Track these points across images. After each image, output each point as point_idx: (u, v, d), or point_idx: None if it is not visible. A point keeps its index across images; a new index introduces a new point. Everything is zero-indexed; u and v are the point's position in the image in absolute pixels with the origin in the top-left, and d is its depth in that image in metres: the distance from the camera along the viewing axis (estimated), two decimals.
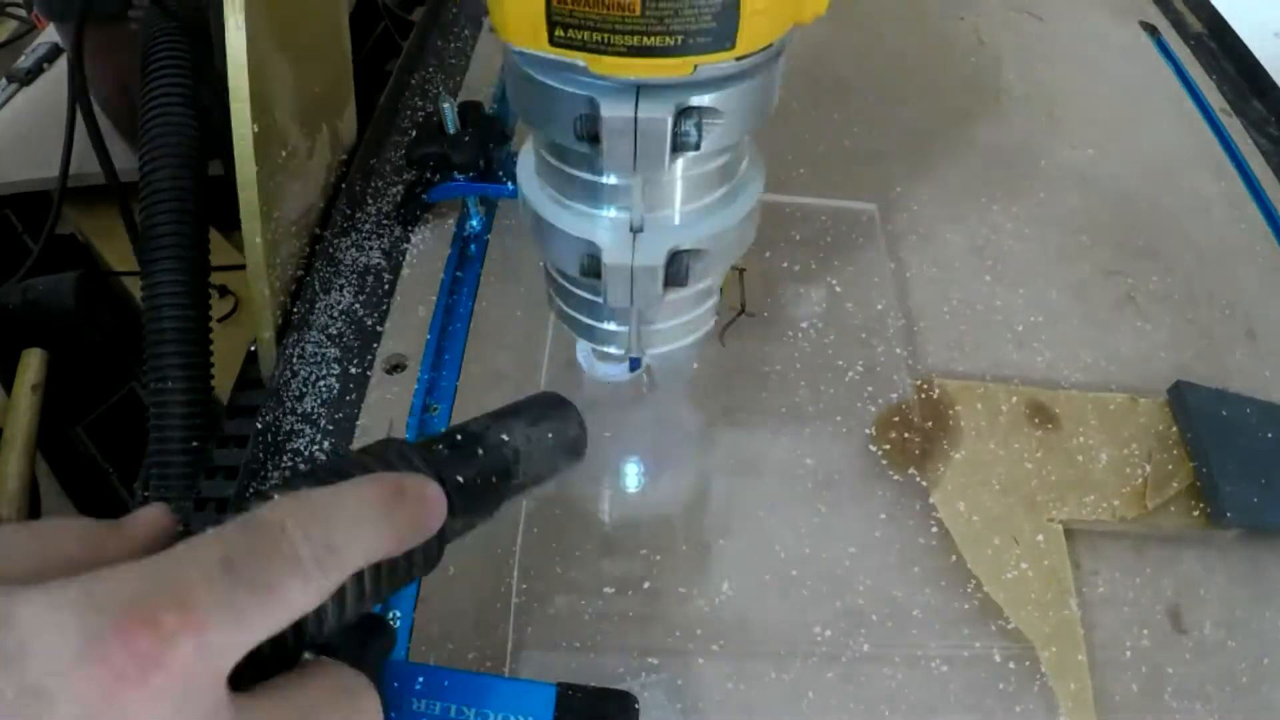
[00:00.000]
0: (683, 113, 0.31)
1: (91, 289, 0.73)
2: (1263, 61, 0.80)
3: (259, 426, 0.49)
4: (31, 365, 0.69)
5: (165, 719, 0.20)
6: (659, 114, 0.30)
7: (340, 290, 0.57)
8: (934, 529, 0.47)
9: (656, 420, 0.52)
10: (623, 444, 0.51)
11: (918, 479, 0.49)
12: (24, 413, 0.66)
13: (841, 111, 0.71)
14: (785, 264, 0.59)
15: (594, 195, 0.36)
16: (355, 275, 0.58)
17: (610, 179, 0.35)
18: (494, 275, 0.58)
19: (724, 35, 0.28)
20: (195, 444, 0.53)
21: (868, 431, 0.51)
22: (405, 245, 0.59)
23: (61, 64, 0.95)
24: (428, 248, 0.59)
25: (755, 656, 0.42)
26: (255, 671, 0.23)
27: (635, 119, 0.30)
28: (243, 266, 0.51)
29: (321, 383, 0.52)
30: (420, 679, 0.35)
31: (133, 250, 0.74)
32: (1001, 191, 0.66)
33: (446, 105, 0.56)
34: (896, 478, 0.49)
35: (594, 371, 0.51)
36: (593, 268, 0.36)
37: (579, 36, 0.28)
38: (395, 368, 0.53)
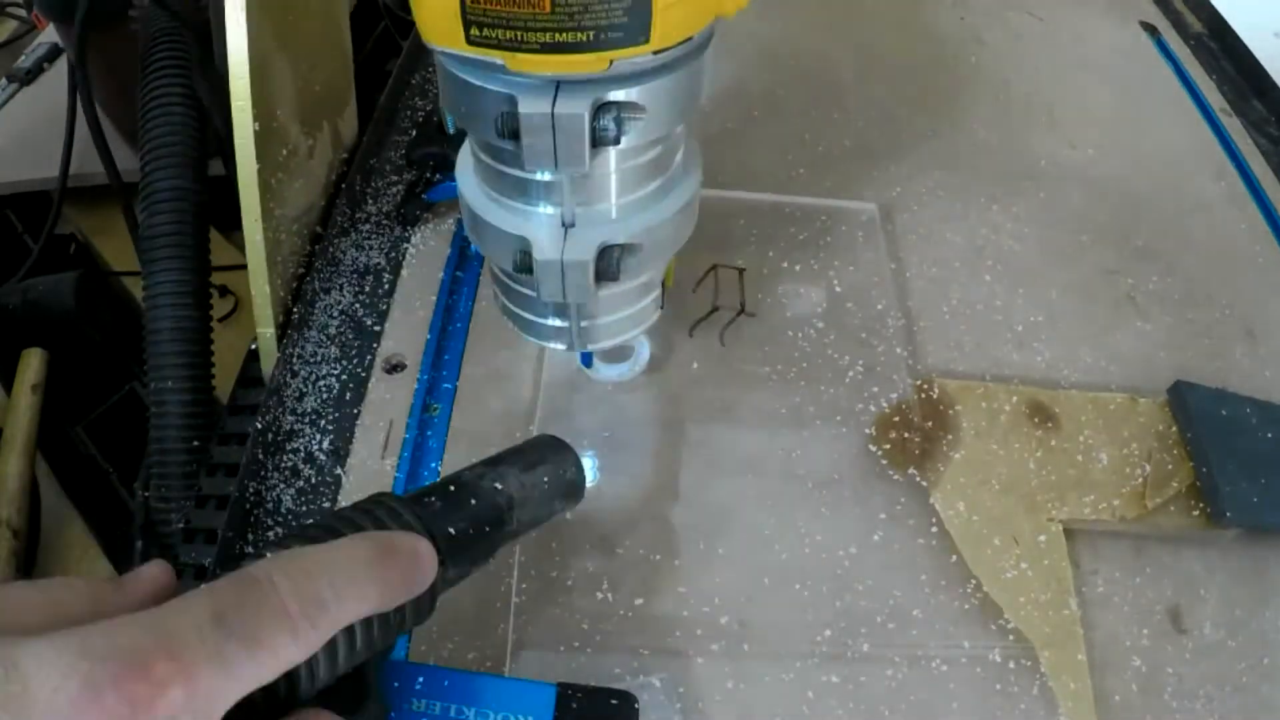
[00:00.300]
0: (601, 108, 0.31)
1: (91, 289, 0.73)
2: (1263, 61, 0.80)
3: (259, 426, 0.49)
4: (31, 365, 0.69)
5: None
6: (576, 109, 0.31)
7: (340, 290, 0.57)
8: (934, 529, 0.47)
9: (655, 419, 0.52)
10: (622, 444, 0.51)
11: (918, 479, 0.49)
12: (24, 413, 0.66)
13: (841, 111, 0.71)
14: (785, 264, 0.59)
15: (527, 191, 0.36)
16: (355, 275, 0.58)
17: (541, 175, 0.35)
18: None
19: (637, 30, 0.29)
20: (196, 443, 0.53)
21: (868, 431, 0.51)
22: (405, 245, 0.59)
23: (61, 64, 0.95)
24: (428, 248, 0.59)
25: (755, 656, 0.42)
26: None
27: (553, 115, 0.31)
28: (243, 266, 0.51)
29: (321, 383, 0.52)
30: (420, 679, 0.35)
31: (135, 250, 0.74)
32: (1001, 191, 0.66)
33: None
34: (896, 478, 0.49)
35: (594, 372, 0.51)
36: (525, 264, 0.37)
37: (494, 35, 0.29)
38: (395, 368, 0.53)
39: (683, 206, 0.38)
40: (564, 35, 0.28)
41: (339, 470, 0.48)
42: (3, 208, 0.89)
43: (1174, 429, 0.51)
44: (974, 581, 0.45)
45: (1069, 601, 0.44)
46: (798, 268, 0.59)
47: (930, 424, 0.51)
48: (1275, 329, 0.59)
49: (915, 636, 0.43)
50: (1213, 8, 0.88)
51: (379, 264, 0.58)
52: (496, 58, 0.30)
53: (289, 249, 0.55)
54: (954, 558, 0.46)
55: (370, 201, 0.62)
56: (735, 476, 0.49)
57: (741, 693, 0.41)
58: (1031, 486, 0.49)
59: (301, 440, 0.49)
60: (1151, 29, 0.85)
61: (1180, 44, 0.84)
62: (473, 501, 0.33)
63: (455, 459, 0.49)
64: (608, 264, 0.36)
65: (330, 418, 0.50)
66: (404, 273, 0.58)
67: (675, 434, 0.51)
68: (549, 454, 0.36)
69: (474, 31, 0.29)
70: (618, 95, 0.31)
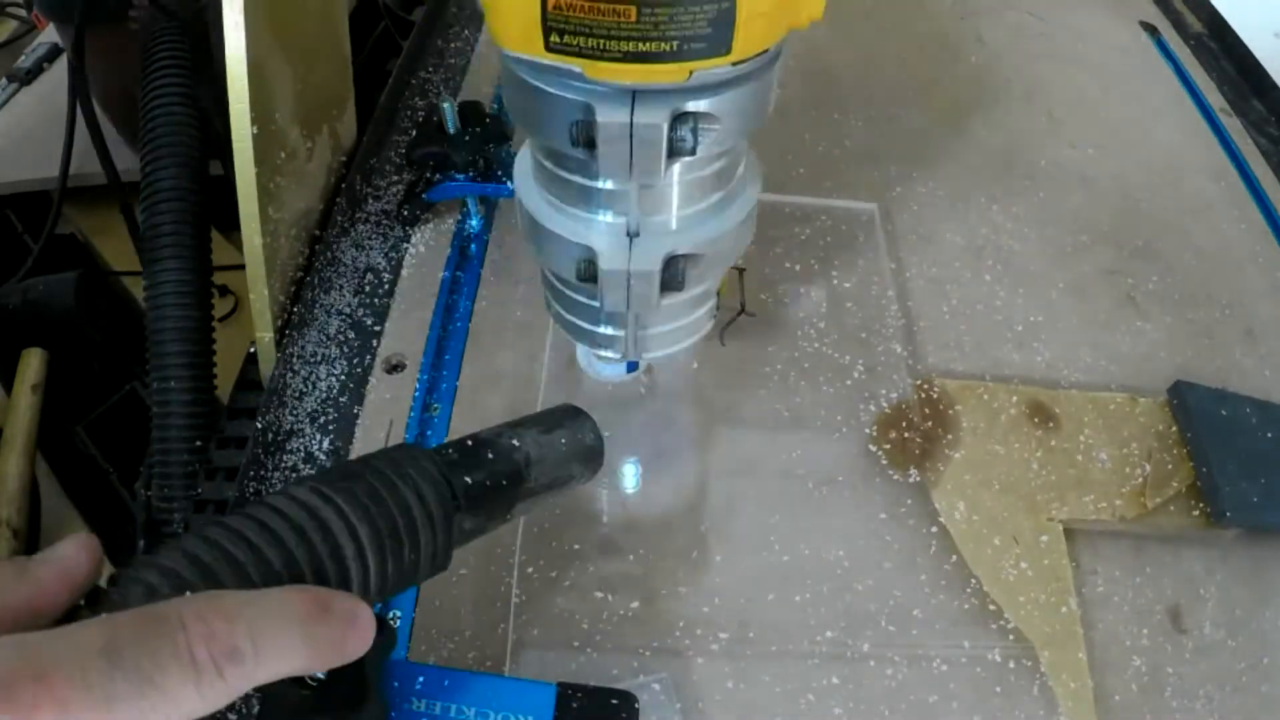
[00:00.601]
0: (678, 118, 0.31)
1: (91, 289, 0.73)
2: (1263, 61, 0.80)
3: (259, 426, 0.49)
4: (31, 365, 0.69)
5: None
6: (655, 119, 0.30)
7: (340, 290, 0.57)
8: (934, 529, 0.47)
9: (656, 420, 0.52)
10: (622, 444, 0.51)
11: (918, 479, 0.49)
12: (24, 413, 0.66)
13: (841, 111, 0.71)
14: (785, 264, 0.59)
15: (590, 200, 0.36)
16: (355, 275, 0.58)
17: (606, 184, 0.35)
18: (494, 275, 0.58)
19: (720, 41, 0.28)
20: (198, 443, 0.53)
21: (868, 431, 0.51)
22: (405, 245, 0.59)
23: (61, 64, 0.95)
24: (428, 248, 0.59)
25: (755, 656, 0.42)
26: None
27: (631, 124, 0.30)
28: (243, 266, 0.51)
29: (322, 383, 0.52)
30: (420, 679, 0.35)
31: (135, 250, 0.75)
32: (1001, 191, 0.66)
33: (446, 105, 0.56)
34: (896, 478, 0.49)
35: (594, 372, 0.51)
36: (589, 273, 0.36)
37: (574, 42, 0.28)
38: (395, 368, 0.53)
39: (745, 217, 0.38)
40: (647, 45, 0.28)
41: None
42: (3, 208, 0.89)
43: (1174, 429, 0.51)
44: (974, 581, 0.45)
45: (1069, 601, 0.44)
46: (798, 268, 0.59)
47: (930, 424, 0.51)
48: (1275, 329, 0.59)
49: (915, 636, 0.43)
50: (1213, 8, 0.88)
51: (379, 264, 0.58)
52: (575, 65, 0.29)
53: (288, 252, 0.55)
54: (954, 557, 0.46)
55: (370, 202, 0.62)
56: (735, 476, 0.49)
57: (741, 693, 0.41)
58: (1031, 486, 0.49)
59: (301, 440, 0.49)
60: (1151, 29, 0.85)
61: (1180, 44, 0.84)
62: (490, 455, 0.33)
63: None
64: (673, 274, 0.36)
65: (330, 418, 0.50)
66: (404, 273, 0.58)
67: (675, 434, 0.51)
68: (567, 419, 0.37)
69: (554, 38, 0.28)
70: (695, 106, 0.31)
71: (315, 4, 0.58)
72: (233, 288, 0.80)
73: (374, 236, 0.60)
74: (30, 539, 0.60)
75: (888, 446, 0.50)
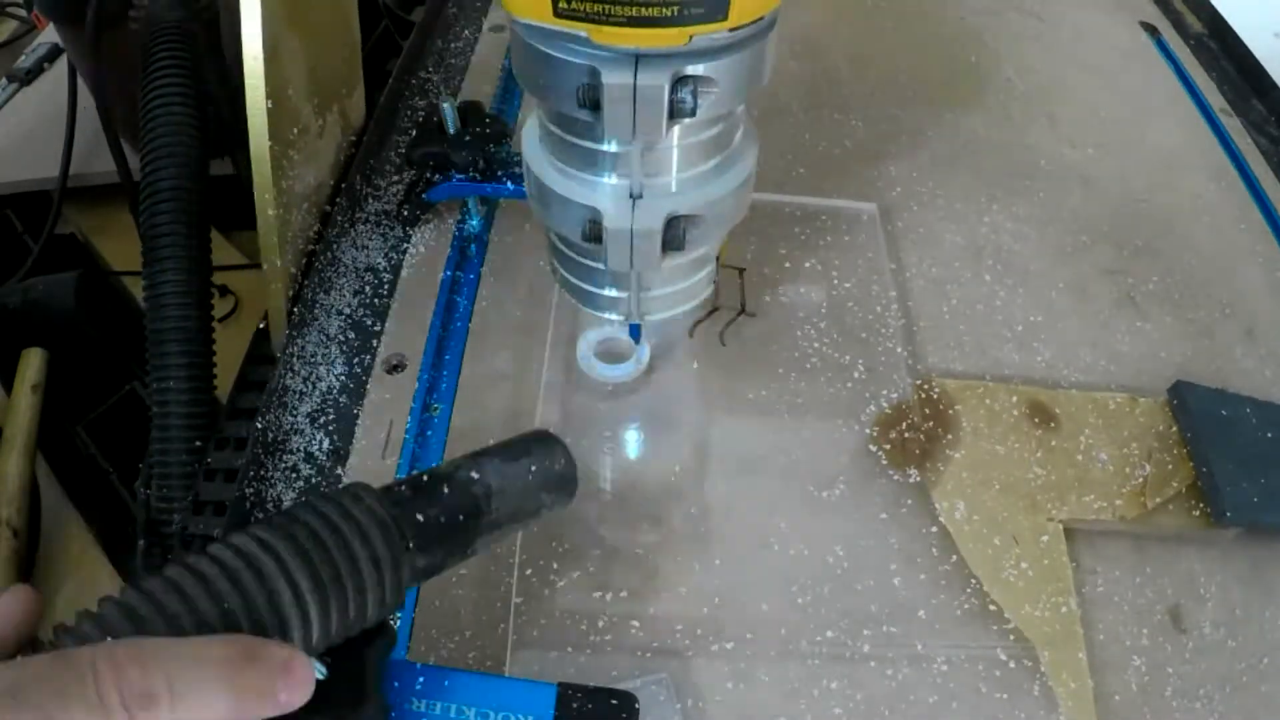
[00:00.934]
0: (679, 80, 0.33)
1: (91, 289, 0.73)
2: (1263, 61, 0.80)
3: (259, 427, 0.49)
4: (31, 365, 0.69)
5: None
6: (657, 81, 0.32)
7: (340, 290, 0.57)
8: (934, 529, 0.47)
9: (656, 420, 0.52)
10: (623, 444, 0.51)
11: (918, 479, 0.49)
12: (24, 413, 0.66)
13: (841, 111, 0.71)
14: (785, 264, 0.59)
15: (595, 163, 0.38)
16: (355, 275, 0.58)
17: (611, 146, 0.37)
18: (494, 275, 0.58)
19: (717, 7, 0.30)
20: (198, 443, 0.53)
21: (868, 431, 0.51)
22: (405, 245, 0.59)
23: (61, 64, 0.95)
24: (428, 248, 0.59)
25: (755, 656, 0.42)
26: None
27: (634, 86, 0.32)
28: (243, 266, 0.51)
29: (321, 383, 0.52)
30: (420, 679, 0.35)
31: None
32: (1001, 191, 0.66)
33: (446, 105, 0.56)
34: (896, 477, 0.49)
35: (594, 372, 0.52)
36: (594, 233, 0.38)
37: (581, 8, 0.30)
38: (395, 368, 0.53)
39: (742, 181, 0.40)
40: (649, 10, 0.30)
41: (339, 470, 0.48)
42: (3, 208, 0.89)
43: (1174, 429, 0.51)
44: (974, 581, 0.45)
45: (1069, 601, 0.44)
46: (798, 268, 0.59)
47: (930, 424, 0.51)
48: (1275, 329, 0.59)
49: (915, 636, 0.43)
50: (1213, 8, 0.88)
51: (379, 264, 0.58)
52: (581, 30, 0.31)
53: (299, 225, 0.57)
54: (954, 558, 0.46)
55: (370, 201, 0.62)
56: (735, 476, 0.49)
57: (741, 693, 0.41)
58: (1032, 486, 0.49)
59: (301, 440, 0.49)
60: (1151, 29, 0.85)
61: (1180, 44, 0.84)
62: (445, 491, 0.32)
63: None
64: (674, 234, 0.38)
65: (330, 418, 0.50)
66: (404, 273, 0.58)
67: (675, 434, 0.51)
68: (536, 446, 0.36)
69: (562, 4, 0.30)
70: (695, 69, 0.33)
71: None
72: (233, 288, 0.80)
73: (374, 236, 0.60)
74: (30, 539, 0.60)
75: (888, 446, 0.50)
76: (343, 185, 0.61)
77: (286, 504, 0.47)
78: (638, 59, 0.32)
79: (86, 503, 0.65)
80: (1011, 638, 0.43)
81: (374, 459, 0.48)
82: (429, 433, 0.50)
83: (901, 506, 0.48)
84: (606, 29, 0.31)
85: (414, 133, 0.60)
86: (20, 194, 0.85)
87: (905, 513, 0.48)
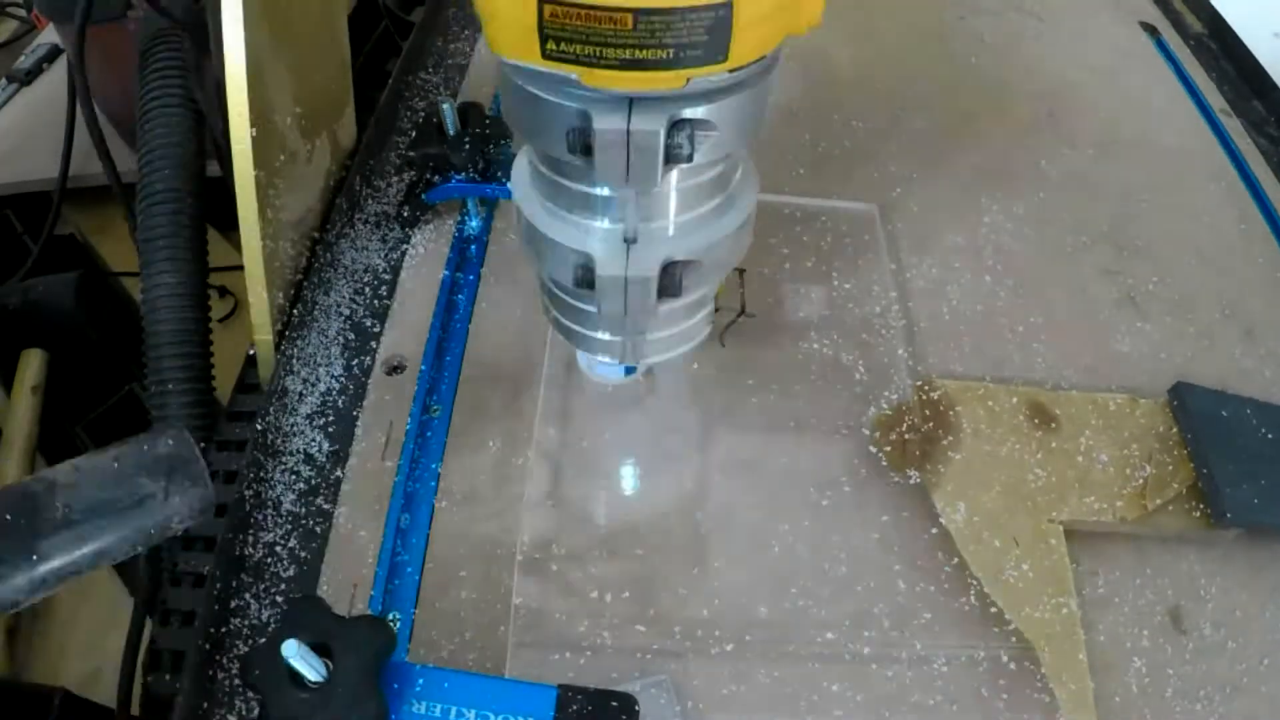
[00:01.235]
0: (675, 125, 0.31)
1: (91, 289, 0.73)
2: (1263, 61, 0.80)
3: (259, 427, 0.49)
4: (31, 365, 0.69)
5: None
6: (652, 126, 0.30)
7: (340, 291, 0.57)
8: (934, 529, 0.47)
9: (656, 421, 0.52)
10: (622, 445, 0.51)
11: (918, 480, 0.49)
12: (24, 413, 0.66)
13: (841, 111, 0.71)
14: (785, 264, 0.59)
15: (588, 206, 0.36)
16: (355, 275, 0.58)
17: (604, 190, 0.35)
18: (494, 275, 0.58)
19: (716, 48, 0.28)
20: (200, 446, 0.53)
21: (868, 433, 0.51)
22: (405, 245, 0.59)
23: (61, 64, 0.95)
24: (428, 248, 0.59)
25: (755, 657, 0.42)
26: None
27: (628, 131, 0.30)
28: (242, 267, 0.51)
29: (321, 384, 0.52)
30: (420, 680, 0.35)
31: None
32: (1001, 191, 0.66)
33: (446, 106, 0.56)
34: (896, 478, 0.49)
35: (593, 373, 0.51)
36: (586, 279, 0.36)
37: (571, 50, 0.28)
38: (395, 368, 0.53)
39: (742, 224, 0.38)
40: (644, 52, 0.28)
41: (339, 472, 0.48)
42: (3, 208, 0.89)
43: (1174, 430, 0.51)
44: (975, 583, 0.45)
45: (1069, 601, 0.44)
46: (798, 268, 0.59)
47: (930, 425, 0.51)
48: (1275, 329, 0.59)
49: (916, 638, 0.43)
50: (1213, 8, 0.88)
51: (379, 264, 0.58)
52: (572, 72, 0.29)
53: (287, 254, 0.55)
54: (955, 559, 0.46)
55: (370, 202, 0.62)
56: (736, 477, 0.49)
57: (741, 695, 0.41)
58: (1032, 487, 0.49)
59: (301, 442, 0.49)
60: (1151, 29, 0.85)
61: (1180, 44, 0.84)
62: None
63: (455, 459, 0.49)
64: (670, 280, 0.36)
65: (330, 419, 0.50)
66: (404, 273, 0.58)
67: (675, 435, 0.51)
68: (140, 436, 0.32)
69: (550, 46, 0.29)
70: (692, 113, 0.31)
71: (314, 7, 0.58)
72: (232, 288, 0.79)
73: (374, 237, 0.60)
74: None
75: (888, 448, 0.50)
76: (335, 204, 0.60)
77: (286, 506, 0.47)
78: (631, 102, 0.30)
79: None
80: (1012, 639, 0.43)
81: (374, 460, 0.48)
82: (429, 434, 0.50)
83: (902, 508, 0.48)
84: (599, 71, 0.29)
85: (414, 134, 0.60)
86: (20, 194, 0.85)
87: (905, 514, 0.47)
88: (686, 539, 0.46)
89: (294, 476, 0.48)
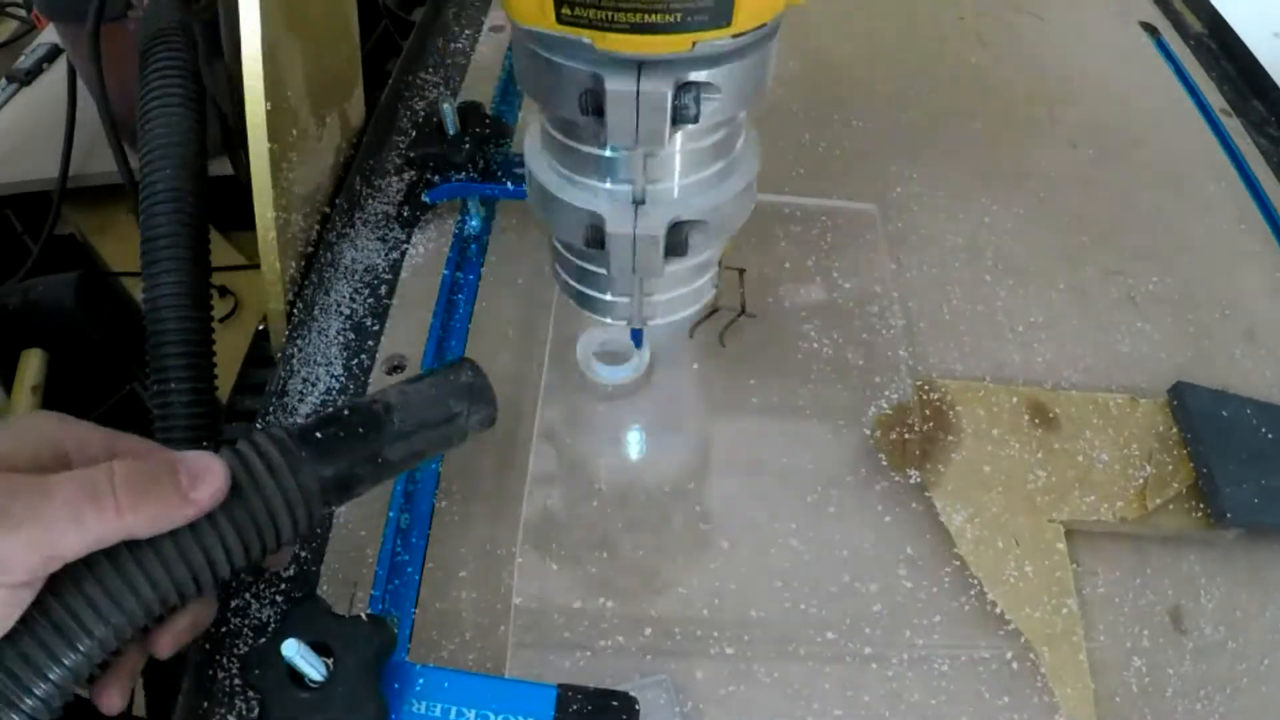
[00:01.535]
0: (682, 87, 0.33)
1: (91, 289, 0.73)
2: (1263, 61, 0.80)
3: (259, 427, 0.49)
4: (31, 365, 0.69)
5: None
6: (660, 88, 0.32)
7: (340, 290, 0.57)
8: (934, 530, 0.47)
9: (656, 421, 0.52)
10: (622, 445, 0.51)
11: (918, 480, 0.49)
12: (24, 413, 0.66)
13: (841, 111, 0.71)
14: (785, 264, 0.59)
15: (598, 169, 0.38)
16: (355, 275, 0.58)
17: (614, 153, 0.37)
18: (494, 275, 0.58)
19: (721, 13, 0.30)
20: (204, 445, 0.53)
21: (868, 432, 0.51)
22: (405, 245, 0.59)
23: (61, 64, 0.95)
24: (428, 248, 0.59)
25: (755, 657, 0.42)
26: None
27: (637, 93, 0.32)
28: (243, 267, 0.51)
29: (321, 384, 0.52)
30: (421, 680, 0.35)
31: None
32: (1001, 191, 0.66)
33: (446, 106, 0.56)
34: (896, 478, 0.49)
35: (593, 373, 0.52)
36: (596, 238, 0.38)
37: (584, 14, 0.30)
38: (395, 368, 0.53)
39: (745, 187, 0.40)
40: (653, 16, 0.30)
41: None
42: (3, 208, 0.89)
43: (1174, 429, 0.51)
44: (974, 582, 0.45)
45: (1069, 601, 0.44)
46: (798, 268, 0.59)
47: (930, 424, 0.51)
48: (1275, 329, 0.59)
49: (915, 637, 0.43)
50: (1213, 8, 0.88)
51: (379, 264, 0.58)
52: (585, 36, 0.31)
53: (298, 227, 0.57)
54: (955, 559, 0.46)
55: (370, 202, 0.62)
56: (736, 477, 0.49)
57: (741, 693, 0.41)
58: (1032, 487, 0.49)
59: None
60: (1151, 29, 0.85)
61: (1180, 44, 0.84)
62: (346, 412, 0.36)
63: (455, 459, 0.49)
64: (677, 240, 0.38)
65: None
66: (404, 273, 0.58)
67: (675, 435, 0.51)
68: (442, 368, 0.39)
69: (565, 11, 0.30)
70: (697, 76, 0.33)
71: None
72: (233, 288, 0.79)
73: (374, 237, 0.60)
74: None
75: (888, 447, 0.50)
76: (344, 183, 0.61)
77: None
78: (641, 65, 0.32)
79: None
80: (1012, 638, 0.43)
81: None
82: None
83: (902, 508, 0.48)
84: (610, 35, 0.30)
85: (414, 133, 0.60)
86: (20, 194, 0.85)
87: (905, 514, 0.48)
88: (687, 539, 0.46)
89: None
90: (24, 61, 0.96)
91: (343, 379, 0.52)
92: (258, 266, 0.55)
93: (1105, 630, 0.44)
